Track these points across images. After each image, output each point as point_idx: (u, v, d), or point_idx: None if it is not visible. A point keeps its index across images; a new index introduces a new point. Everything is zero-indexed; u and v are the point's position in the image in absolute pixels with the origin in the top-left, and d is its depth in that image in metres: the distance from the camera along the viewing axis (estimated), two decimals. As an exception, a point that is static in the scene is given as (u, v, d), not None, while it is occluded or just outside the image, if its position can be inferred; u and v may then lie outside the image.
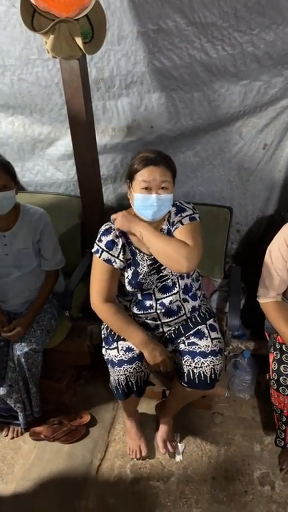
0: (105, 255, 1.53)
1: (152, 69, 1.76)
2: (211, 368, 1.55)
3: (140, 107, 1.90)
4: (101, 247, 1.53)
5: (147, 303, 1.60)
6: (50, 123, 2.06)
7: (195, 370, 1.56)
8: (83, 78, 1.58)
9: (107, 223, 1.58)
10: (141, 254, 1.55)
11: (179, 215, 1.54)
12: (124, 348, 1.57)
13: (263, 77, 1.77)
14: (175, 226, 1.53)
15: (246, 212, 2.16)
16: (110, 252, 1.52)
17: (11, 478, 1.81)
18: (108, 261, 1.52)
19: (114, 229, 1.55)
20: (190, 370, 1.57)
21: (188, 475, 1.80)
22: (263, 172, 2.02)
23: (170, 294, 1.59)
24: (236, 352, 2.15)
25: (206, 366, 1.55)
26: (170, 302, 1.59)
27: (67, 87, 1.60)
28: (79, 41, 1.39)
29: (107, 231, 1.55)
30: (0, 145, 2.21)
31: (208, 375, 1.55)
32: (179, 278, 1.59)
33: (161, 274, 1.56)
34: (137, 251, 1.56)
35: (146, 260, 1.55)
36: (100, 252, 1.53)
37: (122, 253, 1.53)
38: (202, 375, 1.55)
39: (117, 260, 1.53)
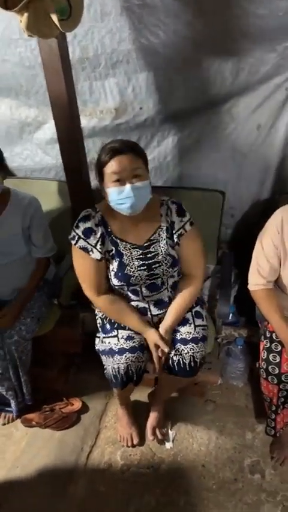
0: (81, 243, 1.48)
1: (138, 46, 1.68)
2: (190, 355, 1.53)
3: (128, 87, 1.83)
4: (77, 234, 1.49)
5: (134, 298, 1.57)
6: (37, 105, 1.99)
7: (174, 358, 1.54)
8: (63, 58, 1.51)
9: (86, 210, 1.53)
10: (124, 243, 1.51)
11: (181, 219, 1.52)
12: (125, 337, 1.56)
13: (255, 53, 1.68)
14: (179, 232, 1.51)
15: (241, 196, 2.09)
16: (87, 241, 1.48)
17: (2, 464, 1.82)
18: (84, 249, 1.48)
19: (94, 216, 1.50)
20: (170, 357, 1.55)
21: (178, 462, 1.80)
22: (257, 155, 1.94)
23: (157, 292, 1.56)
24: (229, 340, 2.12)
25: (186, 353, 1.53)
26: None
27: (46, 68, 1.54)
28: (55, 18, 1.32)
29: (86, 218, 1.50)
30: (-12, 130, 2.16)
31: (187, 362, 1.53)
32: (169, 277, 1.57)
33: (152, 272, 1.52)
34: (119, 241, 1.51)
35: (131, 250, 1.50)
36: (76, 238, 1.49)
37: (100, 243, 1.48)
38: (181, 362, 1.53)
39: (94, 250, 1.48)
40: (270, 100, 1.81)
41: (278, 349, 1.57)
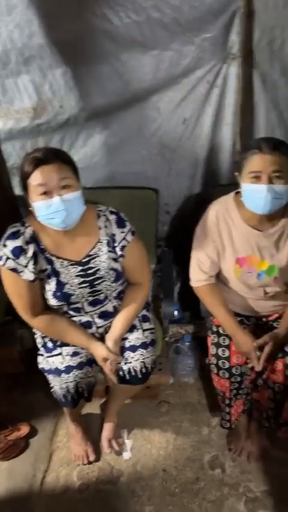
0: (10, 263, 1.32)
1: (51, 41, 1.58)
2: (141, 362, 1.48)
3: (44, 84, 1.71)
4: (5, 254, 1.32)
5: (76, 314, 1.47)
6: None
7: (124, 367, 1.49)
8: None
9: (14, 225, 1.36)
10: (60, 260, 1.39)
11: (122, 230, 1.42)
12: (70, 353, 1.46)
13: (174, 46, 1.65)
14: (121, 244, 1.42)
15: (174, 192, 2.07)
16: (17, 261, 1.32)
17: None
18: (14, 270, 1.32)
19: (23, 232, 1.35)
20: (120, 367, 1.49)
21: (138, 471, 1.74)
22: (185, 149, 1.92)
23: (101, 305, 1.48)
24: (176, 338, 2.10)
25: (136, 360, 1.48)
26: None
27: None
28: None
29: (14, 235, 1.33)
30: None
31: (138, 369, 1.48)
32: (113, 291, 1.49)
33: (95, 289, 1.43)
34: (54, 258, 1.38)
35: (68, 267, 1.39)
36: (4, 259, 1.32)
37: (32, 262, 1.33)
38: (132, 370, 1.48)
39: (25, 270, 1.33)
40: (194, 93, 1.79)
41: (226, 343, 1.57)
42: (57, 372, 1.43)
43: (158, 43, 1.65)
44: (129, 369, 1.49)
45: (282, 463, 1.70)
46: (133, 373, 1.48)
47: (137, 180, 1.99)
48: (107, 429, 1.81)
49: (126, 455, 1.79)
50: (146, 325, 1.58)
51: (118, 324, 1.49)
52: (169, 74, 1.71)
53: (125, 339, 1.53)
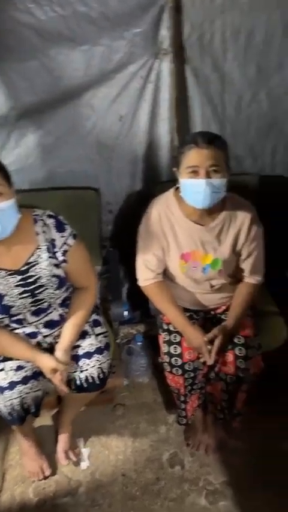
0: None
1: None
2: (98, 368, 1.44)
3: None
4: None
5: (18, 326, 1.39)
6: None
7: (81, 375, 1.44)
8: None
9: None
10: None
11: (62, 234, 1.35)
12: (14, 368, 1.38)
13: (104, 41, 1.61)
14: (63, 249, 1.35)
15: (115, 190, 2.02)
16: None
17: None
18: None
19: None
20: (76, 376, 1.44)
21: (96, 479, 1.69)
22: (123, 146, 1.88)
23: (45, 314, 1.40)
24: (128, 338, 2.07)
25: (92, 367, 1.44)
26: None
27: None
28: None
29: None
30: None
31: (96, 376, 1.44)
32: (57, 299, 1.42)
33: (37, 298, 1.35)
34: None
35: (6, 277, 1.30)
36: None
37: None
38: (90, 377, 1.44)
39: None
40: (128, 89, 1.75)
41: (177, 340, 1.56)
42: (0, 389, 1.35)
43: (87, 38, 1.59)
44: (86, 376, 1.44)
45: (238, 452, 1.74)
46: (91, 380, 1.44)
47: (77, 180, 1.93)
48: (63, 440, 1.74)
49: (84, 464, 1.74)
50: (98, 330, 1.54)
51: (67, 332, 1.43)
52: (101, 69, 1.66)
53: (78, 346, 1.48)
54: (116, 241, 2.15)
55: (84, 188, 1.86)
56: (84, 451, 1.77)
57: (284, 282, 1.86)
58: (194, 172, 1.32)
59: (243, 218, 1.47)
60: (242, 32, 1.69)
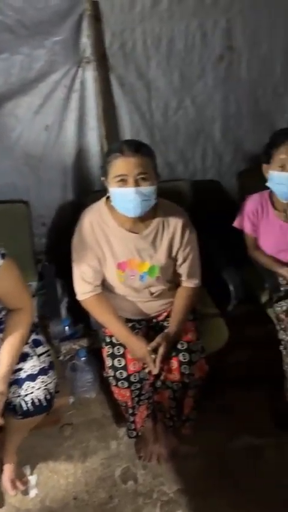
0: None
1: None
2: (44, 389, 1.37)
3: None
4: None
5: None
6: None
7: (26, 398, 1.35)
8: None
9: None
10: None
11: None
12: None
13: (23, 49, 1.56)
14: None
15: (47, 202, 1.96)
16: None
17: None
18: None
19: None
20: (21, 400, 1.35)
21: (47, 506, 1.60)
22: (52, 157, 1.84)
23: None
24: (71, 354, 2.00)
25: (38, 389, 1.36)
26: None
27: None
28: None
29: None
30: None
31: (42, 398, 1.36)
32: None
33: None
34: None
35: None
36: None
37: None
38: (36, 400, 1.36)
39: None
40: (52, 98, 1.72)
41: (121, 352, 1.53)
42: None
43: (5, 46, 1.54)
44: (32, 399, 1.35)
45: (189, 457, 1.73)
46: (37, 403, 1.36)
47: (6, 193, 1.84)
48: (8, 470, 1.63)
49: (33, 492, 1.64)
50: (40, 350, 1.45)
51: (3, 358, 1.33)
52: (22, 78, 1.62)
53: (20, 369, 1.39)
54: (52, 254, 2.08)
55: (12, 202, 1.78)
56: (32, 478, 1.67)
57: (221, 283, 1.90)
58: (123, 181, 1.31)
59: (175, 223, 1.48)
60: (163, 40, 1.73)
